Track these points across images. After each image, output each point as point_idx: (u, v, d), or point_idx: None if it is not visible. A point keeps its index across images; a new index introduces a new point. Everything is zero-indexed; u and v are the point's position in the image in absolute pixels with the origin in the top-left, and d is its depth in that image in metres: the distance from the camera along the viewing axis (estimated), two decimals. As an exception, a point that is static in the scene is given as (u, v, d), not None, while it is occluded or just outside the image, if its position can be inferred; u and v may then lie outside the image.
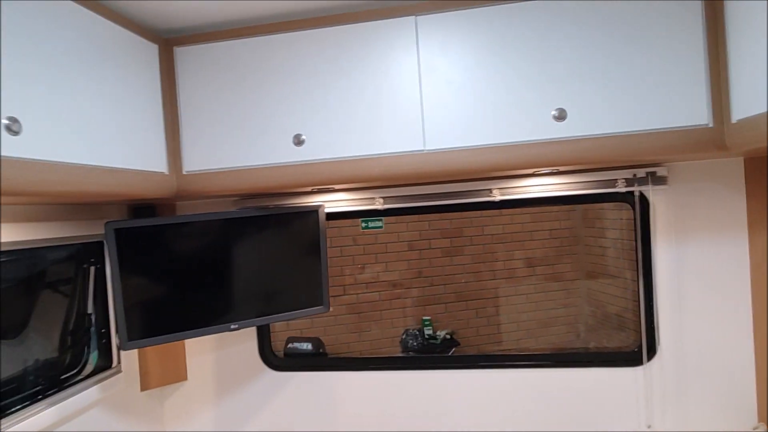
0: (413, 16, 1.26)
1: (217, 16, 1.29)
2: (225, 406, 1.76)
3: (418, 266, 4.18)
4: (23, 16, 0.92)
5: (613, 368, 1.56)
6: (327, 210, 1.59)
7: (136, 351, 1.63)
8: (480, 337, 4.15)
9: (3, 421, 1.16)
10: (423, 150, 1.27)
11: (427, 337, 4.05)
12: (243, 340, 1.74)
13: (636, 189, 1.50)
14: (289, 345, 3.89)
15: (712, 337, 1.49)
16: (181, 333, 1.39)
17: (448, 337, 4.03)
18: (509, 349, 4.16)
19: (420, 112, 1.26)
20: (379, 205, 1.60)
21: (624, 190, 1.50)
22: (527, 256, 4.07)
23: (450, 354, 3.90)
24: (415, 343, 4.00)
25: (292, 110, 1.31)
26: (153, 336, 1.36)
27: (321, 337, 3.96)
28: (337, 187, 1.45)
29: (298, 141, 1.31)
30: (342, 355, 4.07)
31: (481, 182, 1.57)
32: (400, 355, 3.94)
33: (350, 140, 1.29)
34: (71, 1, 1.04)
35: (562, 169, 1.35)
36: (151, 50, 1.31)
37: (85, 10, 1.08)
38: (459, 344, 3.97)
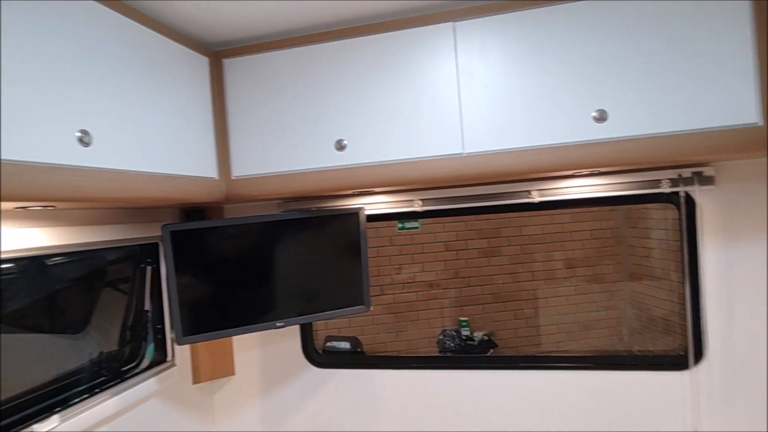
0: (451, 23, 1.29)
1: (263, 29, 1.36)
2: (270, 400, 1.83)
3: (454, 267, 4.18)
4: (90, 37, 1.01)
5: (658, 372, 1.53)
6: (367, 212, 1.63)
7: (188, 346, 1.72)
8: (518, 339, 4.11)
9: (71, 409, 1.26)
10: (462, 153, 1.29)
11: (464, 337, 4.04)
12: (287, 338, 1.81)
13: (681, 190, 1.47)
14: (328, 343, 3.97)
15: (763, 342, 1.44)
16: (230, 330, 1.47)
17: (485, 338, 4.01)
18: (549, 351, 4.09)
19: (458, 116, 1.28)
20: (417, 207, 1.63)
21: (669, 190, 1.47)
22: (567, 257, 3.99)
23: (488, 355, 3.88)
24: (452, 344, 4.00)
25: (334, 116, 1.36)
26: (205, 332, 1.44)
27: (358, 337, 4.03)
28: (376, 189, 1.49)
29: (340, 146, 1.35)
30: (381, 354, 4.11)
31: (519, 184, 1.57)
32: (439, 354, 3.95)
33: (390, 145, 1.33)
34: (131, 20, 1.13)
35: (603, 169, 1.35)
36: (202, 63, 1.39)
37: (143, 28, 1.16)
38: (497, 346, 3.95)
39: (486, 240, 4.16)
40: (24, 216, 1.14)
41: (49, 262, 1.33)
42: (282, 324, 1.50)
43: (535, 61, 1.24)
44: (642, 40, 1.18)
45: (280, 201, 1.72)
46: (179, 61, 1.29)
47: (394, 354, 4.08)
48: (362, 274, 1.58)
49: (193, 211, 1.71)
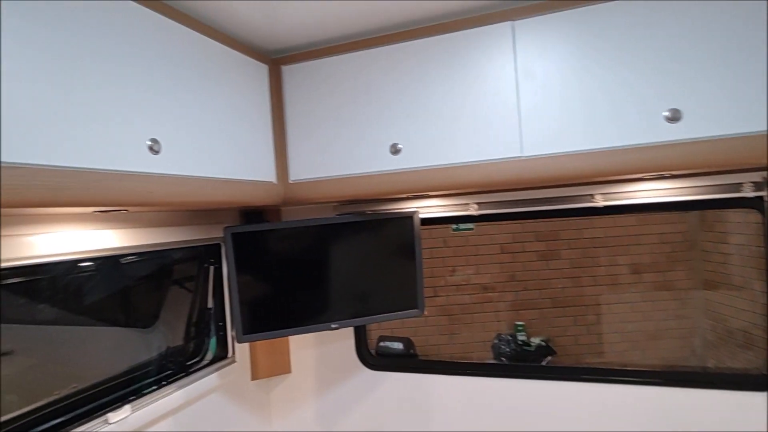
0: (509, 22, 1.25)
1: (320, 35, 1.38)
2: (324, 399, 1.86)
3: (510, 269, 4.07)
4: (158, 51, 1.06)
5: (737, 392, 1.40)
6: (422, 215, 1.62)
7: (248, 344, 1.78)
8: (578, 347, 3.93)
9: (141, 400, 1.34)
10: (521, 156, 1.25)
11: (520, 342, 3.93)
12: (341, 339, 1.83)
13: (767, 194, 1.34)
14: (381, 343, 3.99)
15: None
16: (287, 330, 1.51)
17: (542, 344, 3.88)
18: (612, 362, 3.88)
19: (517, 118, 1.24)
20: (473, 211, 1.60)
21: (752, 195, 1.34)
22: (633, 262, 3.77)
23: (545, 362, 3.75)
24: (507, 349, 3.90)
25: (389, 120, 1.36)
26: (263, 331, 1.49)
27: (411, 338, 4.02)
28: (431, 193, 1.48)
29: (395, 150, 1.35)
30: (434, 358, 4.08)
31: (581, 187, 1.50)
32: (494, 361, 3.86)
33: (446, 148, 1.31)
34: (196, 32, 1.18)
35: (675, 172, 1.25)
36: (262, 70, 1.43)
37: (207, 39, 1.22)
38: (555, 353, 3.81)
39: (544, 243, 4.02)
40: (100, 218, 1.22)
41: (123, 261, 1.42)
42: (336, 326, 1.52)
43: (599, 59, 1.18)
44: (719, 32, 1.08)
45: (336, 203, 1.74)
46: (241, 70, 1.34)
47: (449, 359, 4.05)
48: (416, 278, 1.57)
49: (252, 212, 1.77)
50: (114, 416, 1.22)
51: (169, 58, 1.09)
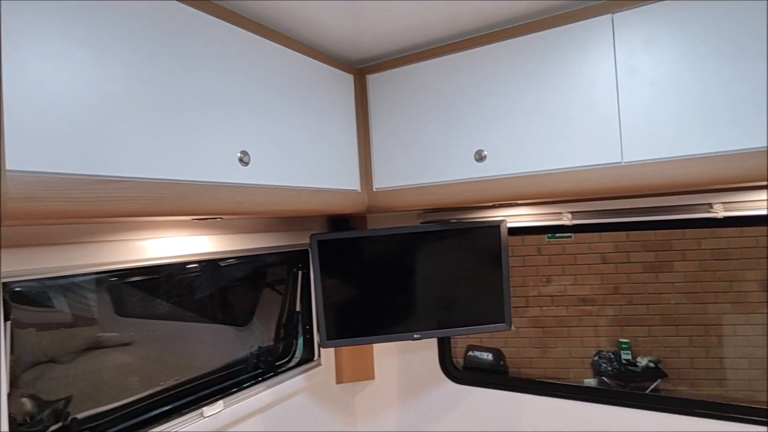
0: (609, 15, 1.14)
1: (404, 43, 1.37)
2: (407, 409, 1.84)
3: (613, 281, 3.75)
4: (247, 66, 1.12)
5: None
6: (509, 225, 1.54)
7: (332, 348, 1.82)
8: (694, 371, 3.51)
9: (232, 396, 1.42)
10: (620, 162, 1.13)
11: (624, 362, 3.61)
12: (425, 348, 1.80)
13: None
14: (470, 353, 3.90)
15: None
16: (369, 337, 1.51)
17: (651, 365, 3.53)
18: (737, 391, 3.41)
19: (617, 120, 1.13)
20: (567, 221, 1.48)
21: None
22: (763, 278, 3.28)
23: (653, 386, 3.39)
24: (609, 368, 3.61)
25: (474, 126, 1.31)
26: (346, 338, 1.51)
27: (502, 349, 3.87)
28: (520, 201, 1.40)
29: (480, 157, 1.29)
30: (526, 374, 3.90)
31: (696, 195, 1.32)
32: (592, 380, 3.59)
33: (535, 154, 1.23)
34: (282, 46, 1.22)
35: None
36: (347, 80, 1.45)
37: (293, 52, 1.26)
38: (666, 376, 3.44)
39: (653, 253, 3.66)
40: (199, 225, 1.31)
41: (222, 264, 1.52)
42: (418, 336, 1.50)
43: (716, 50, 1.02)
44: None
45: (420, 211, 1.72)
46: (327, 81, 1.37)
47: (542, 374, 3.83)
48: (503, 291, 1.49)
49: (338, 219, 1.80)
50: (208, 410, 1.31)
51: (259, 74, 1.14)
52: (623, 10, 1.12)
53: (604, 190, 1.16)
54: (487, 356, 3.78)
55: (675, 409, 1.41)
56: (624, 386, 3.51)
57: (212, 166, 1.00)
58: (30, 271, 0.96)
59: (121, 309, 1.28)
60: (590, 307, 3.83)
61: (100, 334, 1.23)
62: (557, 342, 3.90)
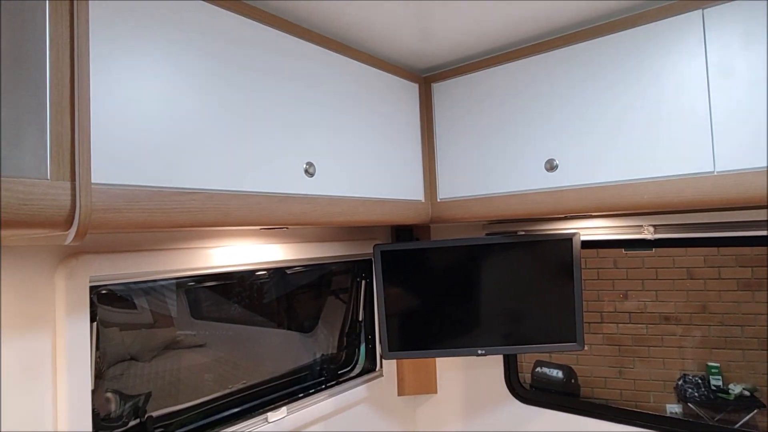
0: (699, 11, 1.04)
1: (472, 50, 1.34)
2: (469, 427, 1.78)
3: (701, 299, 3.44)
4: (313, 78, 1.14)
5: None
6: (583, 238, 1.45)
7: (394, 360, 1.81)
8: (799, 404, 3.12)
9: (296, 403, 1.44)
10: (712, 172, 1.02)
11: (713, 388, 3.30)
12: (490, 365, 1.73)
13: None
14: (537, 369, 3.72)
15: None
16: (432, 351, 1.48)
17: (746, 393, 3.20)
18: None
19: (707, 126, 1.02)
20: (648, 234, 1.37)
21: None
22: None
23: (748, 418, 3.06)
24: (696, 393, 3.31)
25: (544, 134, 1.25)
26: (408, 350, 1.49)
27: (573, 366, 3.66)
28: (594, 213, 1.31)
29: (551, 167, 1.23)
30: (600, 396, 3.66)
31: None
32: (678, 411, 3.31)
33: (612, 163, 1.14)
34: (348, 57, 1.23)
35: None
36: (413, 90, 1.44)
37: (358, 63, 1.27)
38: (763, 407, 3.09)
39: (749, 269, 3.31)
40: (265, 234, 1.35)
41: (289, 271, 1.56)
42: (482, 352, 1.44)
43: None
44: None
45: (485, 222, 1.67)
46: (391, 91, 1.37)
47: (618, 396, 3.58)
48: (575, 308, 1.40)
49: (402, 229, 1.79)
50: (273, 416, 1.33)
51: (324, 86, 1.16)
52: (715, 5, 1.02)
53: (692, 202, 1.06)
54: (557, 374, 3.58)
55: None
56: (713, 416, 3.20)
57: (279, 177, 1.02)
58: (115, 275, 1.03)
59: (196, 312, 1.34)
60: (674, 326, 3.54)
61: (176, 335, 1.29)
62: (635, 362, 3.64)
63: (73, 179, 0.64)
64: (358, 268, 1.74)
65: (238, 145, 0.95)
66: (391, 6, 1.08)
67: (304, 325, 1.65)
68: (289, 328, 1.61)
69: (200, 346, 1.36)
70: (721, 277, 3.41)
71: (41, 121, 0.60)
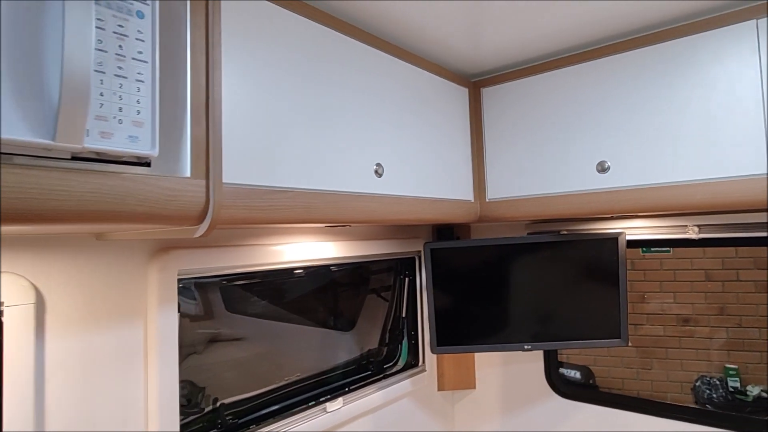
0: (753, 20, 1.09)
1: (521, 56, 1.39)
2: (508, 421, 1.82)
3: (719, 301, 3.47)
4: (377, 83, 1.19)
5: None
6: (628, 237, 1.50)
7: (435, 355, 1.86)
8: (821, 405, 3.15)
9: (349, 395, 1.49)
10: (763, 174, 1.07)
11: (731, 390, 3.33)
12: (529, 360, 1.78)
13: None
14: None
15: None
16: (478, 345, 1.53)
17: (764, 395, 3.23)
18: None
19: (762, 128, 1.07)
20: (692, 234, 1.42)
21: None
22: None
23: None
24: (714, 395, 3.34)
25: (596, 137, 1.30)
26: (455, 344, 1.54)
27: (590, 367, 3.69)
28: (641, 213, 1.36)
29: (602, 168, 1.28)
30: (641, 394, 3.69)
31: None
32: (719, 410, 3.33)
33: (664, 165, 1.19)
34: (404, 62, 1.28)
35: None
36: (462, 94, 1.50)
37: (413, 67, 1.32)
38: (783, 408, 3.12)
39: (766, 271, 3.34)
40: (323, 232, 1.41)
41: (333, 269, 1.61)
42: (529, 347, 1.49)
43: None
44: None
45: (528, 222, 1.72)
46: (444, 95, 1.42)
47: (645, 397, 3.60)
48: (620, 305, 1.45)
49: (443, 228, 1.84)
50: (330, 406, 1.39)
51: (388, 90, 1.21)
52: (770, 16, 1.07)
53: (744, 203, 1.11)
54: (575, 374, 3.62)
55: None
56: (733, 416, 3.21)
57: (353, 177, 1.08)
58: (197, 270, 1.09)
59: (244, 307, 1.40)
60: (692, 328, 3.57)
61: (234, 329, 1.35)
62: (653, 363, 3.67)
63: (207, 177, 0.70)
64: (401, 266, 1.79)
65: (319, 148, 1.01)
66: (443, 9, 1.13)
67: (348, 321, 1.71)
68: (335, 324, 1.66)
69: (239, 339, 1.41)
70: (739, 279, 3.44)
71: (184, 125, 0.66)
